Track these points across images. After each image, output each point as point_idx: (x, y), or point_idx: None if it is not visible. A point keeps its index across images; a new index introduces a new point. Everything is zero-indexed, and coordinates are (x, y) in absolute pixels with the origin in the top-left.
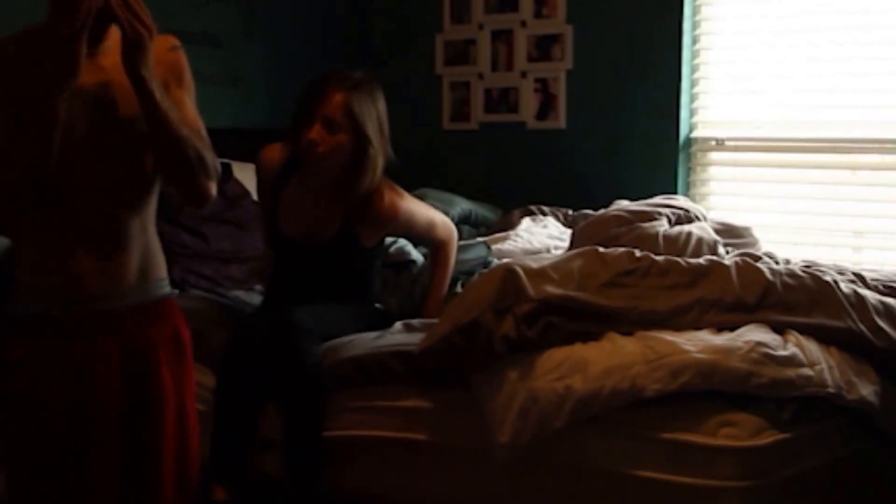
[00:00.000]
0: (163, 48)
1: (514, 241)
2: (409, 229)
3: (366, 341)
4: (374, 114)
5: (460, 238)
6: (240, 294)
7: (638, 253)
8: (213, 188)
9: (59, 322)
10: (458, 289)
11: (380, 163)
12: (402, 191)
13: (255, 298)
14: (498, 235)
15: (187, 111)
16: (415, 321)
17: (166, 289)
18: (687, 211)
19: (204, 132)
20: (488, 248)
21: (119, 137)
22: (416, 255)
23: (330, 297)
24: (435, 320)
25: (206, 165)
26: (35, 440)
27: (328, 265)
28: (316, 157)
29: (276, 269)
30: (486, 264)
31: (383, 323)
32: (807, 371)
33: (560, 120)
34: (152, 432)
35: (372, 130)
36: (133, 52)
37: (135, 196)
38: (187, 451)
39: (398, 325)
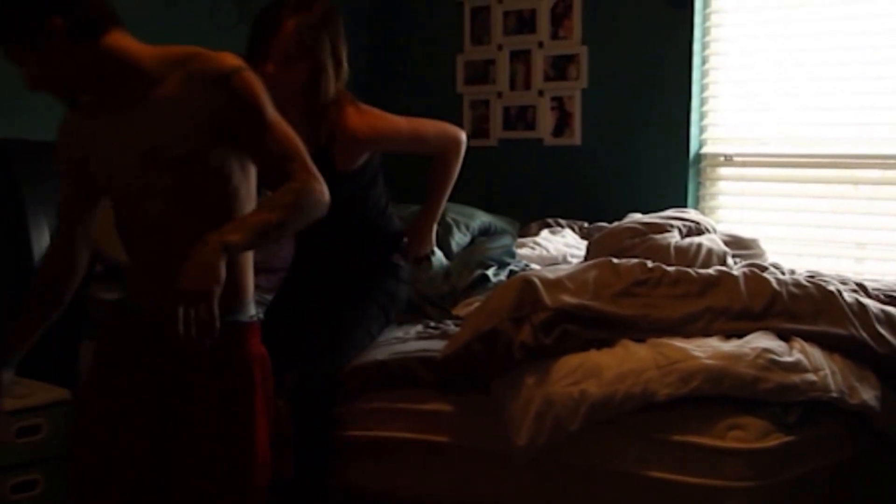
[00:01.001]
0: (206, 79)
1: (533, 248)
2: (389, 148)
3: (390, 344)
4: (327, 39)
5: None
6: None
7: (650, 264)
8: (323, 194)
9: (123, 323)
10: (490, 273)
11: (333, 85)
12: (370, 108)
13: None
14: (517, 242)
15: (266, 141)
16: (431, 324)
17: (232, 315)
18: (697, 223)
19: (292, 147)
20: (513, 238)
21: (167, 180)
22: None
23: (340, 241)
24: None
25: (307, 207)
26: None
27: None
28: (275, 91)
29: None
30: (512, 254)
31: (395, 305)
32: (811, 376)
33: (575, 137)
34: (179, 448)
35: (325, 56)
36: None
37: (192, 230)
38: (228, 479)
39: (416, 330)
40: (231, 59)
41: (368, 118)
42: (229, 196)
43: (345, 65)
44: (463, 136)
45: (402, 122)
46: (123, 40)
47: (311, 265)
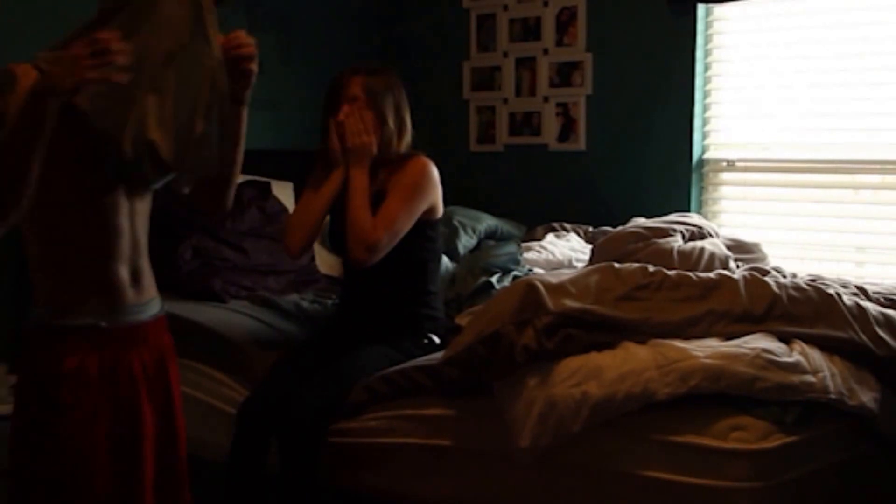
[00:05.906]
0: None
1: (539, 252)
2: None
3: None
4: (391, 97)
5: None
6: (294, 298)
7: (651, 268)
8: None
9: (103, 334)
10: (494, 280)
11: (395, 141)
12: (428, 173)
13: (307, 302)
14: (522, 246)
15: None
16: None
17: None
18: (700, 228)
19: None
20: (518, 245)
21: None
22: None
23: (392, 293)
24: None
25: None
26: (81, 453)
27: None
28: (349, 133)
29: (344, 280)
30: (517, 261)
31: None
32: (810, 378)
33: (580, 142)
34: (172, 436)
35: (388, 111)
36: None
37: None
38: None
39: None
40: None
41: (418, 176)
42: None
43: (409, 127)
44: (377, 246)
45: (410, 210)
46: None
47: (352, 310)
